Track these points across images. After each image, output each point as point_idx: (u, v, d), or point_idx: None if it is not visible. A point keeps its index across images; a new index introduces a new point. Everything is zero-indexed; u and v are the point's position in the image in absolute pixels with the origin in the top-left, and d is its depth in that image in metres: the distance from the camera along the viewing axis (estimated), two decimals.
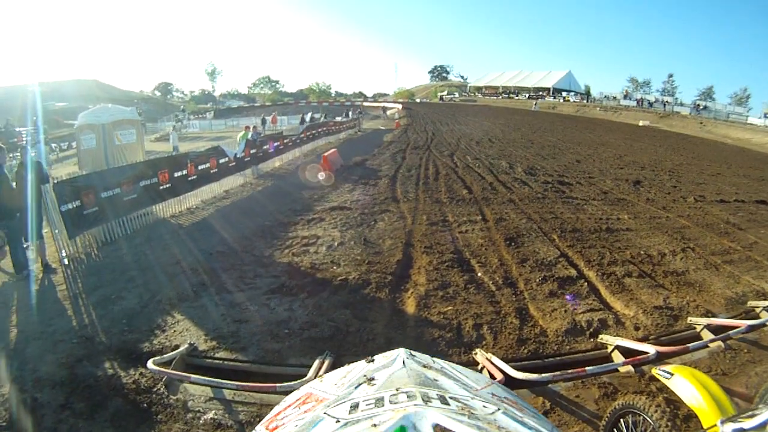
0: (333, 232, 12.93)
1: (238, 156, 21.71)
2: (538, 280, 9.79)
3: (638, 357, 6.72)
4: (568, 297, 9.12)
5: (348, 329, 7.67)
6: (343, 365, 6.28)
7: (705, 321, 8.17)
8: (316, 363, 6.52)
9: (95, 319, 8.23)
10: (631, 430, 4.58)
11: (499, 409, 1.98)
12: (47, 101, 73.84)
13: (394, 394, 2.06)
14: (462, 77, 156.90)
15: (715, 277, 10.63)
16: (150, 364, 6.31)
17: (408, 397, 2.00)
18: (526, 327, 7.93)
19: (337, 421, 1.86)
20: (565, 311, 8.45)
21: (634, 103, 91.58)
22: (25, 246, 10.62)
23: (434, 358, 2.93)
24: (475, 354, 7.01)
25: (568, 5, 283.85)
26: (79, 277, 10.26)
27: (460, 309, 8.40)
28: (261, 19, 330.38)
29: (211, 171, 19.01)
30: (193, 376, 6.17)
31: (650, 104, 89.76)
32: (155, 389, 6.27)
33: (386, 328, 7.84)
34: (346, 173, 23.31)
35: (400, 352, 2.85)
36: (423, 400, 1.95)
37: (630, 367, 6.72)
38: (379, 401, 2.01)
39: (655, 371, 4.96)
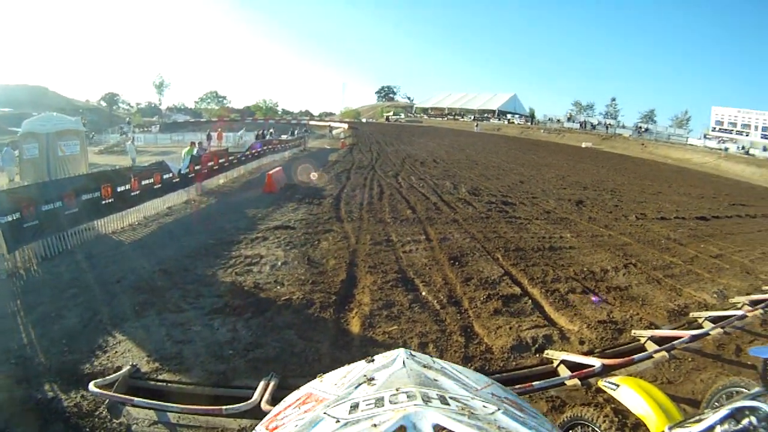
0: (276, 251, 12.82)
1: (182, 172, 21.41)
2: (482, 298, 9.88)
3: (584, 370, 6.90)
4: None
5: (293, 350, 7.60)
6: (289, 387, 6.27)
7: (649, 333, 8.45)
8: (261, 384, 6.45)
9: (34, 338, 7.95)
10: None
11: (499, 409, 2.00)
12: None
13: (394, 394, 2.07)
14: (408, 98, 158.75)
15: (658, 291, 11.02)
16: (92, 386, 6.12)
17: (408, 397, 2.02)
18: (471, 344, 8.01)
19: (337, 421, 1.87)
20: (510, 328, 8.57)
21: (578, 126, 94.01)
22: None
23: (434, 359, 2.94)
24: None
25: (513, 30, 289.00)
26: (17, 294, 9.91)
27: (405, 328, 8.44)
28: (210, 35, 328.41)
29: (155, 186, 18.68)
30: (136, 399, 6.02)
31: (593, 126, 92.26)
32: (97, 413, 6.09)
33: (331, 347, 7.81)
34: (290, 192, 23.12)
35: (400, 352, 2.84)
36: (423, 400, 1.96)
37: (577, 381, 6.87)
38: (379, 401, 2.02)
39: (601, 383, 5.08)
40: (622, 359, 7.39)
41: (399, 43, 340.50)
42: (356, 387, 2.36)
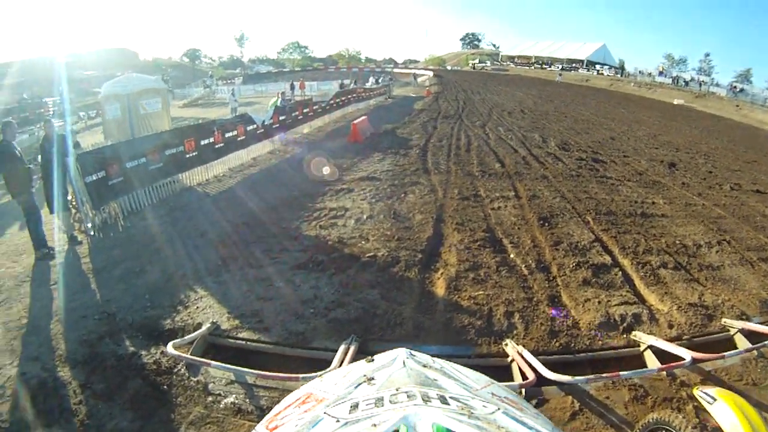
0: (362, 204, 12.73)
1: (266, 123, 21.53)
2: (572, 265, 9.49)
3: (673, 363, 6.45)
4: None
5: (375, 311, 7.46)
6: (368, 351, 6.11)
7: (740, 324, 7.83)
8: (342, 349, 6.35)
9: (118, 294, 8.15)
10: None
11: (499, 409, 1.99)
12: (75, 70, 74.37)
13: (394, 394, 2.06)
14: (494, 45, 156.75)
15: (751, 275, 10.18)
16: (169, 347, 6.18)
17: (408, 396, 2.01)
18: (558, 317, 7.71)
19: (337, 421, 1.86)
20: (599, 302, 8.17)
21: (669, 81, 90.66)
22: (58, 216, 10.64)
23: (434, 358, 2.89)
24: (506, 345, 6.84)
25: None
26: (103, 250, 10.18)
27: (492, 294, 8.16)
28: None
29: (239, 138, 18.84)
30: (213, 362, 6.01)
31: (686, 83, 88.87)
32: (176, 370, 6.18)
33: (415, 311, 7.62)
34: (375, 142, 23.14)
35: (400, 352, 2.82)
36: (423, 399, 1.96)
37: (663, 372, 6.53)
38: (379, 401, 2.01)
39: (697, 392, 4.77)
40: (712, 355, 6.80)
41: None
42: (356, 387, 2.36)
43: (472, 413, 1.84)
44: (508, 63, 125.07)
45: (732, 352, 7.01)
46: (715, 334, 7.77)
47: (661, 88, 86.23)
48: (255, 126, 20.37)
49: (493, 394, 2.36)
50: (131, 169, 12.55)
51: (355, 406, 1.99)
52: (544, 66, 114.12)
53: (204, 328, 6.95)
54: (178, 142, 14.85)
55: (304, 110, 27.72)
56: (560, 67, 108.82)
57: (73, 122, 28.32)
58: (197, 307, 7.65)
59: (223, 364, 5.98)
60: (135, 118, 22.26)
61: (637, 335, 7.36)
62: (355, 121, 25.03)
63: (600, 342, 7.25)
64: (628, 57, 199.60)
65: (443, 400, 1.97)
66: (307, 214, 11.92)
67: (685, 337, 7.53)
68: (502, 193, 14.38)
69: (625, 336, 7.41)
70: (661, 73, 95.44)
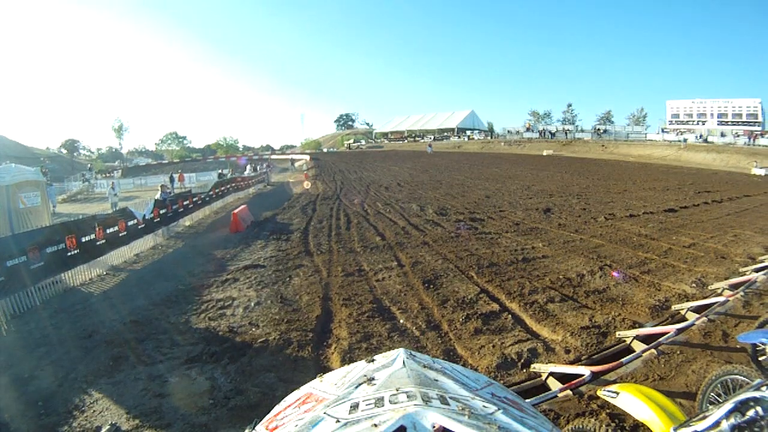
0: (248, 292, 12.67)
1: (146, 217, 21.13)
2: (461, 319, 9.82)
3: (574, 381, 6.86)
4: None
5: (274, 393, 7.41)
6: None
7: (633, 332, 8.48)
8: None
9: (9, 401, 7.73)
10: None
11: (499, 409, 2.01)
12: None
13: (394, 394, 2.07)
14: (368, 124, 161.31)
15: (636, 289, 11.12)
16: None
17: (408, 397, 2.02)
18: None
19: (337, 421, 1.88)
20: (493, 346, 8.53)
21: (537, 135, 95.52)
22: None
23: (435, 359, 2.91)
24: None
25: (464, 47, 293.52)
26: None
27: None
28: (167, 74, 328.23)
29: (120, 234, 18.36)
30: None
31: (552, 134, 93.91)
32: None
33: None
34: (257, 229, 23.04)
35: (400, 352, 2.81)
36: (423, 400, 1.97)
37: (568, 391, 6.82)
38: (379, 401, 2.02)
39: (601, 392, 5.06)
40: (610, 364, 7.39)
41: (354, 69, 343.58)
42: (356, 387, 2.35)
43: (472, 413, 1.88)
44: (383, 140, 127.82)
45: (629, 357, 7.61)
46: (613, 347, 8.31)
47: (529, 143, 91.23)
48: (136, 221, 19.95)
49: (493, 394, 2.40)
50: (12, 267, 12.00)
51: (355, 406, 2.03)
52: (417, 139, 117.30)
53: (104, 430, 6.71)
54: (59, 238, 14.34)
55: (185, 203, 27.43)
56: (432, 138, 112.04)
57: None
58: (94, 410, 7.36)
59: None
60: (14, 212, 21.17)
61: (537, 366, 7.70)
62: (235, 211, 25.06)
63: (501, 381, 7.45)
64: (496, 119, 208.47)
65: (443, 401, 2.00)
66: (195, 308, 11.72)
67: (583, 357, 8.01)
68: (385, 264, 14.70)
69: (525, 371, 7.74)
70: (528, 129, 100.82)
